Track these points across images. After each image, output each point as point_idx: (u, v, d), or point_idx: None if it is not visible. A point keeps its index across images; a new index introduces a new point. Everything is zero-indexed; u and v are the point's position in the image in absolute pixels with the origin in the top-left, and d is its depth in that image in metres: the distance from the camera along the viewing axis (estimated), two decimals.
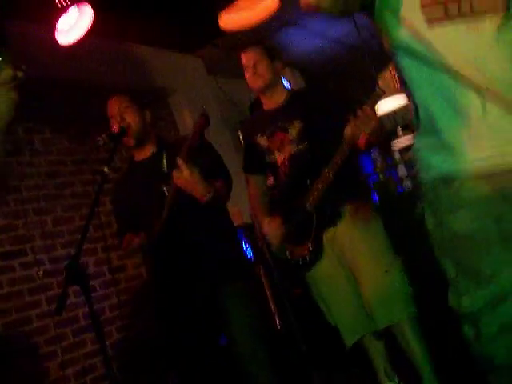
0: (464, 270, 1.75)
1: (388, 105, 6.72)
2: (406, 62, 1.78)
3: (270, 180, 3.70)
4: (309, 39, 7.53)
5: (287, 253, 3.46)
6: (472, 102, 1.66)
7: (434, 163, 1.76)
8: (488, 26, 1.62)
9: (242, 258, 3.61)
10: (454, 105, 1.69)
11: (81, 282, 2.53)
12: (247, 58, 3.59)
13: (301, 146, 3.43)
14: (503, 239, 1.67)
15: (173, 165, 3.04)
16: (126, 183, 3.48)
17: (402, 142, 9.38)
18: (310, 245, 3.37)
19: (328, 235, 3.38)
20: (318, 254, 3.38)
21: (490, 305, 1.68)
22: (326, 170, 3.25)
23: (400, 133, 9.50)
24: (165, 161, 3.30)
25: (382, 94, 3.04)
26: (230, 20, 4.31)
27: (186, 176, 2.95)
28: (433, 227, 1.83)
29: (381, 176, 8.56)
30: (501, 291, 1.66)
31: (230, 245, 3.40)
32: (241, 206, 5.82)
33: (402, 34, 1.74)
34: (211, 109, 6.49)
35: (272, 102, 3.60)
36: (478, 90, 1.64)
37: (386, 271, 3.26)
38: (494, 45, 1.63)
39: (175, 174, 2.97)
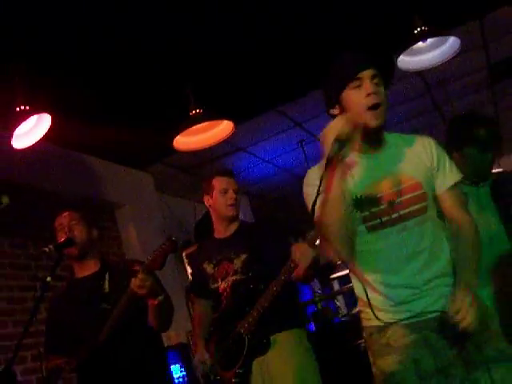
0: None
1: None
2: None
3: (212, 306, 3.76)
4: (258, 166, 7.74)
5: (217, 376, 3.47)
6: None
7: (371, 316, 2.26)
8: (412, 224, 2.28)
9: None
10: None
11: None
12: (230, 184, 3.69)
13: (243, 276, 3.55)
14: (419, 377, 2.18)
15: (115, 286, 3.17)
16: (63, 300, 3.49)
17: (340, 271, 9.52)
18: (237, 370, 3.40)
19: (258, 361, 3.42)
20: (244, 379, 3.40)
21: None
22: (262, 299, 3.35)
23: (339, 262, 9.64)
24: (107, 281, 3.35)
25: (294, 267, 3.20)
26: (184, 141, 4.47)
27: (143, 279, 2.96)
28: (371, 362, 2.35)
29: (319, 305, 8.61)
30: None
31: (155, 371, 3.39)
32: (177, 326, 5.78)
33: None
34: (156, 225, 6.56)
35: (227, 231, 3.72)
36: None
37: None
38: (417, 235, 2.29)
39: (134, 280, 2.98)
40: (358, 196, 2.28)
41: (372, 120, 2.24)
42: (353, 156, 2.26)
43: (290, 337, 3.48)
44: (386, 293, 2.28)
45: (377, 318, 2.25)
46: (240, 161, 7.38)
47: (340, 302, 10.81)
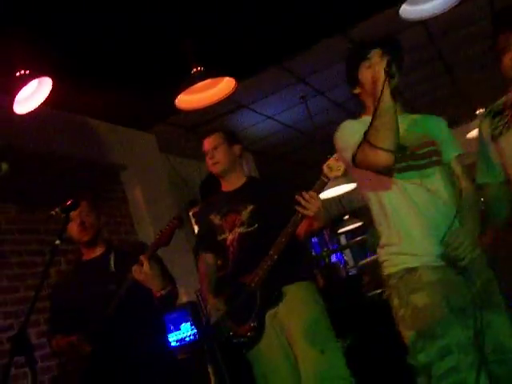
0: (421, 333, 2.53)
1: (333, 191, 6.87)
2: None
3: (220, 260, 3.78)
4: (261, 123, 7.71)
5: (230, 332, 3.48)
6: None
7: (400, 261, 2.63)
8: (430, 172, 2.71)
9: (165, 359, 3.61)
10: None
11: (26, 352, 2.53)
12: (208, 143, 3.79)
13: (250, 228, 3.56)
14: (450, 310, 2.50)
15: (120, 265, 3.34)
16: (69, 281, 3.63)
17: (348, 226, 9.58)
18: (252, 324, 3.42)
19: (270, 314, 3.45)
20: (259, 333, 3.43)
21: (440, 356, 2.48)
22: (271, 252, 3.35)
23: (347, 217, 9.70)
24: (112, 261, 3.51)
25: (326, 183, 3.28)
26: (186, 100, 4.44)
27: (145, 270, 3.18)
28: (397, 307, 2.63)
29: (327, 260, 8.69)
30: (448, 345, 2.47)
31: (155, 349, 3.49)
32: (186, 285, 5.83)
33: None
34: (162, 186, 6.56)
35: (230, 184, 3.77)
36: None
37: (322, 352, 3.33)
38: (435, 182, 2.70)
39: (136, 268, 3.19)
40: None
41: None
42: None
43: (301, 289, 3.52)
44: (411, 236, 2.63)
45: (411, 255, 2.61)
46: (243, 118, 7.34)
47: (348, 255, 10.91)
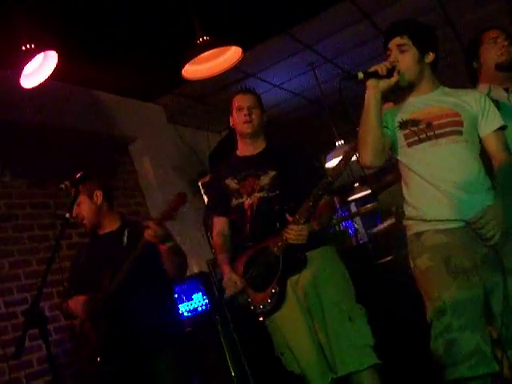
0: (424, 294, 2.75)
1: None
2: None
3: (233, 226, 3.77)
4: (269, 91, 7.67)
5: (248, 299, 3.44)
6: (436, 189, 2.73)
7: (411, 225, 2.83)
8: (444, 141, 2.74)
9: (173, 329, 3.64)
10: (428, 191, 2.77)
11: (40, 325, 2.56)
12: (244, 100, 3.71)
13: (271, 194, 3.50)
14: (448, 272, 2.65)
15: (133, 241, 3.37)
16: (85, 253, 3.68)
17: (358, 194, 9.56)
18: (272, 290, 3.38)
19: (292, 281, 3.40)
20: (280, 300, 3.38)
21: (436, 316, 2.66)
22: (297, 216, 3.31)
23: (356, 185, 9.68)
24: (125, 237, 3.54)
25: (331, 182, 3.32)
26: (193, 70, 4.41)
27: (155, 229, 3.18)
28: (412, 268, 2.83)
29: (337, 227, 8.67)
30: (442, 306, 2.63)
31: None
32: (197, 255, 5.86)
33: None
34: (170, 157, 6.57)
35: (251, 148, 3.69)
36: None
37: (350, 318, 3.30)
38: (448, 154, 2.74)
39: (146, 231, 3.21)
40: (404, 119, 2.84)
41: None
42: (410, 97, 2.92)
43: (326, 254, 3.48)
44: (423, 203, 2.78)
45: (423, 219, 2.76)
46: (250, 87, 7.29)
47: (358, 223, 10.90)
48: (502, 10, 6.95)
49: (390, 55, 2.86)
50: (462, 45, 7.68)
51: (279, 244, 3.35)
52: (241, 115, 3.65)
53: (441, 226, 2.71)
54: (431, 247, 2.71)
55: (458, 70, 8.92)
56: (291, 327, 3.42)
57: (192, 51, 4.18)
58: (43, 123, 5.04)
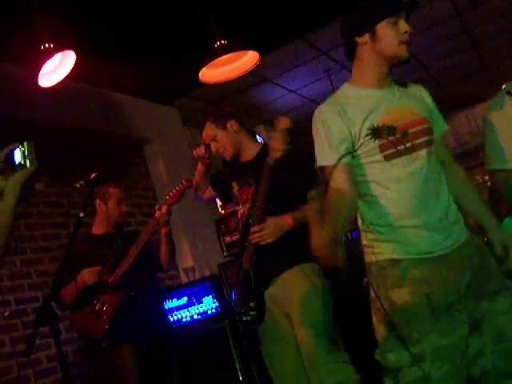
0: (395, 333, 2.30)
1: None
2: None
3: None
4: (284, 97, 7.68)
5: (241, 310, 3.41)
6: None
7: (384, 250, 2.37)
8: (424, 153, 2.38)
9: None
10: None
11: (51, 323, 2.57)
12: (205, 138, 3.68)
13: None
14: (431, 311, 2.26)
15: (125, 243, 3.89)
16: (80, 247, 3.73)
17: None
18: (251, 303, 3.35)
19: (271, 295, 3.34)
20: (260, 312, 3.35)
21: (411, 362, 2.25)
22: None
23: None
24: (119, 239, 3.99)
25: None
26: (210, 74, 4.43)
27: (164, 211, 3.82)
28: (375, 298, 2.35)
29: (348, 235, 8.60)
30: (421, 352, 2.24)
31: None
32: (208, 258, 5.86)
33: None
34: (184, 159, 6.57)
35: (243, 156, 3.58)
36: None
37: (318, 336, 3.22)
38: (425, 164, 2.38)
39: (158, 212, 3.85)
40: (375, 125, 2.41)
41: (406, 52, 2.42)
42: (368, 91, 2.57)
43: (295, 274, 3.31)
44: (400, 225, 2.38)
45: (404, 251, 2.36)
46: (266, 92, 7.32)
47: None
48: None
49: None
50: (478, 55, 7.67)
51: (247, 261, 3.32)
52: (214, 150, 3.66)
53: (421, 256, 2.34)
54: (412, 280, 2.31)
55: (474, 79, 8.90)
56: (272, 340, 3.41)
57: (209, 55, 4.20)
58: (59, 122, 5.07)
